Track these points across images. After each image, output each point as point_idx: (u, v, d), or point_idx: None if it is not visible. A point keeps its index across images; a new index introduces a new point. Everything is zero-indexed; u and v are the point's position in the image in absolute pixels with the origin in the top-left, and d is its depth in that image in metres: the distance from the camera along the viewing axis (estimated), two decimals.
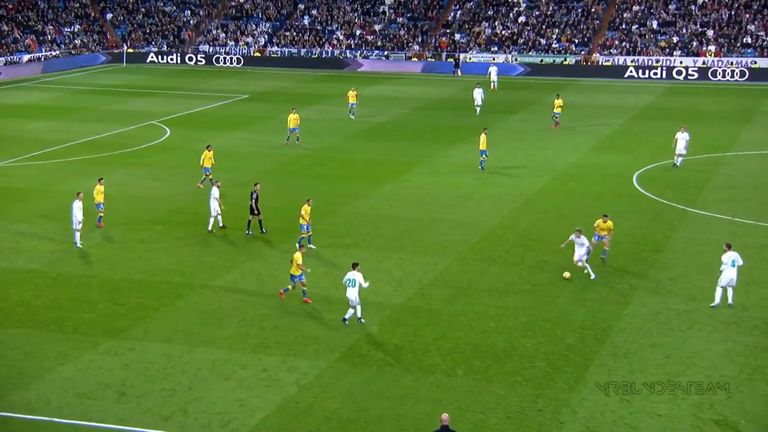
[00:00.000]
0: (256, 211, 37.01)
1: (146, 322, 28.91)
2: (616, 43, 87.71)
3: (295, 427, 22.77)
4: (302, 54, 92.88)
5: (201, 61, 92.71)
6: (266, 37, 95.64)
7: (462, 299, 30.78)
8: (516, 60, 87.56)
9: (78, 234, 35.59)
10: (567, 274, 32.22)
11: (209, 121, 62.91)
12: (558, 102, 58.64)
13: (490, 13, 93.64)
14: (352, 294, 28.15)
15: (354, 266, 28.44)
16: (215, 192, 37.40)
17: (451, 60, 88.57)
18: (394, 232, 37.60)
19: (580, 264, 32.41)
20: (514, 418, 23.13)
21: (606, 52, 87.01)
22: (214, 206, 37.33)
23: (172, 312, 29.81)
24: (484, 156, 47.44)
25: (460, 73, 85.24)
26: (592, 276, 32.24)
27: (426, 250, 35.58)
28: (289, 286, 30.38)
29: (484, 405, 23.73)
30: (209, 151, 43.61)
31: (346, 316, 28.53)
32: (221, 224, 37.80)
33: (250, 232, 37.30)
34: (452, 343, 27.34)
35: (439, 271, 33.24)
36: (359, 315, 28.47)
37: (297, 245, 32.42)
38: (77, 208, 35.30)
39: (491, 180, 46.00)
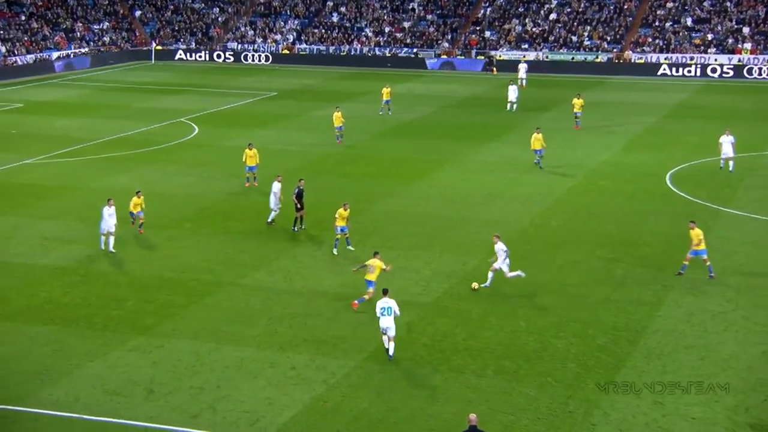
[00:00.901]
0: (299, 207, 36.88)
1: (175, 320, 28.85)
2: (649, 40, 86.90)
3: (323, 426, 22.62)
4: (330, 51, 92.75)
5: (229, 59, 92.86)
6: (294, 34, 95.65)
7: (492, 299, 30.48)
8: (547, 57, 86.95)
9: (103, 239, 34.85)
10: (476, 285, 31.06)
11: (237, 119, 62.93)
12: (579, 101, 57.63)
13: (521, 10, 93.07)
14: (389, 322, 25.80)
15: (385, 293, 26.27)
16: (275, 187, 37.32)
17: (482, 57, 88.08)
18: (422, 231, 37.37)
19: (493, 271, 31.17)
20: (545, 420, 22.84)
21: (639, 50, 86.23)
22: (275, 201, 37.31)
23: (200, 310, 29.73)
24: (539, 155, 46.67)
25: (495, 71, 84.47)
26: (486, 284, 31.02)
27: (455, 248, 35.31)
28: (366, 296, 29.39)
29: (515, 406, 23.46)
30: (250, 149, 43.29)
31: (391, 352, 25.94)
32: (269, 220, 37.64)
33: (297, 228, 37.13)
34: (482, 343, 27.08)
35: (468, 270, 32.95)
36: (391, 352, 25.92)
37: (374, 252, 30.46)
38: (107, 215, 34.61)
39: (521, 179, 45.64)
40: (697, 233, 31.72)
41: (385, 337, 26.03)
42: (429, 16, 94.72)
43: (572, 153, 51.25)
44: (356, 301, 29.49)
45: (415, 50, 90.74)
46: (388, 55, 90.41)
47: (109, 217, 34.58)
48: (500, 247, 31.00)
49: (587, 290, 31.13)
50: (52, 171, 47.95)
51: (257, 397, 23.93)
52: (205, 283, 31.95)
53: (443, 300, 30.35)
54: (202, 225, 38.52)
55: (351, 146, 53.21)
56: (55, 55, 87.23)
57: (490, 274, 31.09)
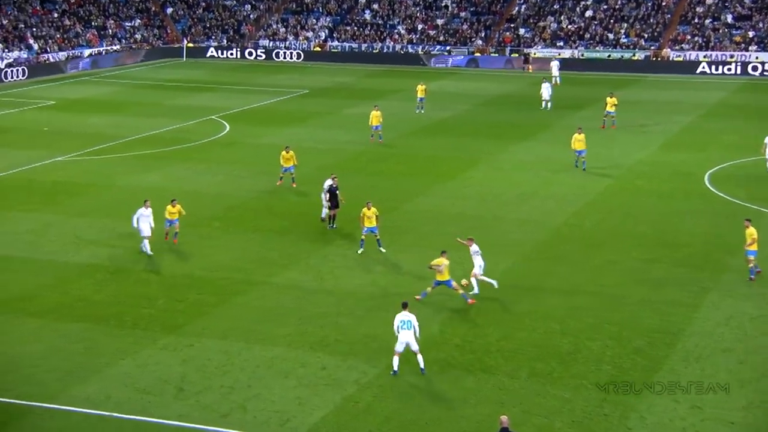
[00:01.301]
0: (334, 205, 36.72)
1: (205, 319, 28.74)
2: (688, 38, 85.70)
3: (354, 427, 22.42)
4: (363, 49, 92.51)
5: (261, 56, 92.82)
6: (326, 31, 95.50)
7: (525, 299, 30.11)
8: (582, 55, 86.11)
9: (147, 242, 34.28)
10: (465, 282, 30.49)
11: (268, 117, 62.84)
12: (611, 100, 56.61)
13: (556, 7, 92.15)
14: (408, 337, 24.65)
15: (404, 306, 25.22)
16: (327, 184, 37.21)
17: (516, 55, 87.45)
18: (455, 230, 36.89)
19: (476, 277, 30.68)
20: (580, 423, 22.49)
21: (677, 47, 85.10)
22: (326, 198, 37.18)
23: (230, 308, 29.61)
24: (581, 156, 45.86)
25: (531, 69, 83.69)
26: (475, 290, 30.31)
27: (488, 248, 34.67)
28: (428, 288, 29.43)
29: (549, 408, 23.12)
30: (287, 152, 42.72)
31: (396, 368, 24.76)
32: (322, 216, 37.57)
33: (330, 226, 36.98)
34: (515, 344, 26.73)
35: (501, 270, 32.55)
36: (422, 365, 24.97)
37: (441, 252, 29.99)
38: (143, 217, 34.04)
39: (555, 178, 45.12)
40: (750, 232, 31.17)
41: (395, 357, 24.71)
42: (462, 14, 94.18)
43: (608, 152, 50.53)
44: (419, 296, 29.38)
45: (448, 47, 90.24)
46: (421, 53, 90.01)
47: (145, 219, 34.13)
48: (475, 249, 30.60)
49: (623, 291, 30.65)
50: (83, 168, 48.07)
51: (288, 396, 23.76)
52: (236, 281, 31.81)
53: (477, 300, 29.90)
54: (233, 223, 38.41)
55: (384, 144, 52.92)
56: (86, 52, 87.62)
57: (473, 280, 30.46)
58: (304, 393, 23.94)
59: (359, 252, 34.26)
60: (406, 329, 24.68)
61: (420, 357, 24.78)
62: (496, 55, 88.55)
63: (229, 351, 26.36)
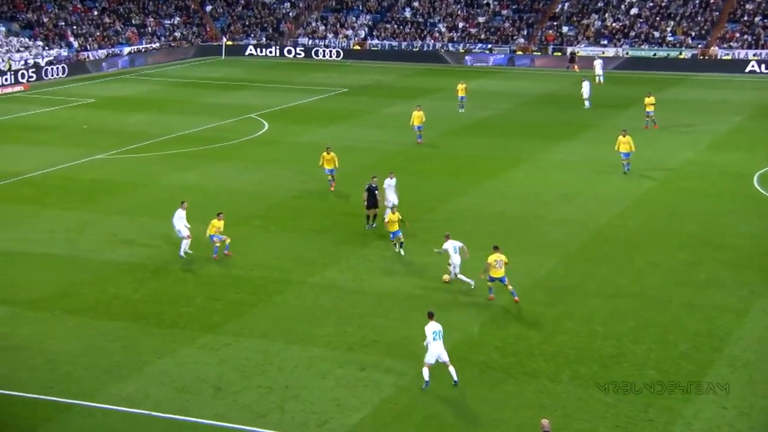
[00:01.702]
0: (373, 204, 36.39)
1: (243, 318, 28.60)
2: (737, 36, 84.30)
3: (393, 429, 22.20)
4: (403, 47, 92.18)
5: (300, 54, 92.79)
6: (366, 29, 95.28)
7: (567, 301, 29.65)
8: (627, 54, 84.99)
9: (185, 243, 33.81)
10: (447, 278, 30.62)
11: (307, 115, 62.73)
12: (649, 100, 55.55)
13: (600, 4, 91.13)
14: (440, 349, 23.89)
15: (430, 316, 24.53)
16: (387, 183, 36.98)
17: (559, 54, 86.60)
18: (496, 230, 36.58)
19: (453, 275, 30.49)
20: (623, 428, 22.07)
21: (725, 46, 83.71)
22: (392, 196, 36.92)
23: (269, 308, 29.45)
24: (626, 159, 44.78)
25: (577, 68, 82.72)
26: (470, 281, 30.34)
27: (530, 249, 34.45)
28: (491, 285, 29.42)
29: (591, 413, 22.71)
30: (328, 153, 42.16)
31: (428, 380, 23.83)
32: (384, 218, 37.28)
33: (373, 225, 36.68)
34: (556, 347, 26.31)
35: (543, 271, 32.12)
36: (455, 377, 24.11)
37: (493, 247, 29.89)
38: (178, 218, 33.80)
39: (598, 178, 44.48)
40: None
41: (425, 369, 23.84)
42: (504, 11, 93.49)
43: (653, 152, 49.66)
44: (492, 295, 29.32)
45: (489, 46, 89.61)
46: (461, 50, 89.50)
47: (181, 220, 33.88)
48: (450, 245, 30.45)
49: (668, 294, 30.06)
50: (121, 166, 48.21)
51: (326, 397, 23.57)
52: (274, 281, 31.64)
53: (518, 300, 29.51)
54: (271, 222, 38.26)
55: (424, 144, 52.53)
56: (126, 50, 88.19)
57: (461, 277, 30.33)
58: (342, 394, 23.74)
59: (401, 252, 33.81)
60: (437, 340, 23.93)
61: (452, 369, 23.99)
62: (539, 53, 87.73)
63: (268, 351, 26.20)
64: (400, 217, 33.88)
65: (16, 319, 28.74)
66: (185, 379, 24.58)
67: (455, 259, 30.52)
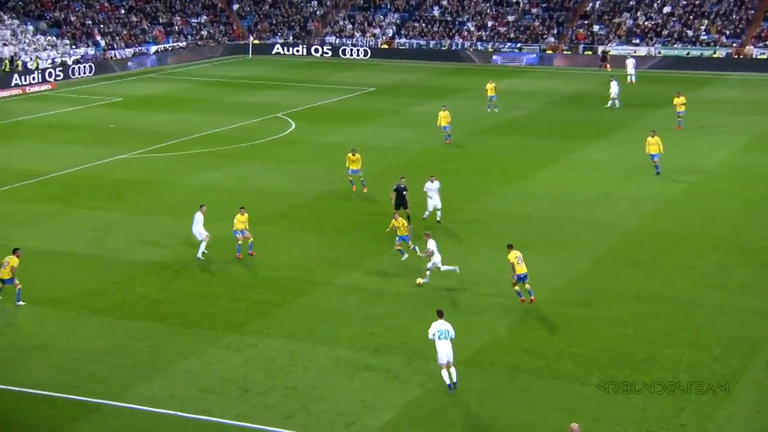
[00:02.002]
0: (396, 205, 36.00)
1: (268, 318, 28.43)
2: None
3: (420, 431, 21.90)
4: (431, 46, 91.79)
5: (327, 53, 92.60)
6: (394, 28, 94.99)
7: (597, 304, 29.24)
8: (659, 53, 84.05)
9: (203, 245, 33.53)
10: (420, 280, 30.51)
11: (334, 115, 62.53)
12: (679, 100, 54.77)
13: (632, 3, 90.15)
14: (447, 348, 23.59)
15: (440, 314, 24.34)
16: (427, 186, 36.81)
17: (590, 53, 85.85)
18: (525, 231, 36.16)
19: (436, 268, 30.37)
20: None
21: (761, 44, 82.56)
22: (434, 199, 36.86)
23: (294, 308, 29.26)
24: (654, 160, 44.12)
25: (609, 67, 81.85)
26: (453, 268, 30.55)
27: (559, 250, 34.03)
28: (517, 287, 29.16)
29: (622, 417, 22.36)
30: (354, 155, 41.75)
31: (451, 382, 23.61)
32: (438, 218, 37.05)
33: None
34: (586, 350, 25.93)
35: (573, 273, 31.71)
36: (455, 379, 23.64)
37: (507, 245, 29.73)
38: (197, 222, 33.53)
39: (630, 179, 43.93)
40: None
41: (442, 371, 23.52)
42: (534, 10, 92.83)
43: (686, 153, 48.98)
44: (522, 297, 29.05)
45: (519, 45, 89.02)
46: (490, 49, 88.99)
47: (199, 222, 33.63)
48: (432, 244, 30.33)
49: (700, 297, 29.60)
50: (147, 166, 48.19)
51: (352, 399, 23.36)
52: (299, 281, 31.43)
53: (546, 304, 29.15)
54: (297, 222, 38.05)
55: (452, 143, 52.18)
56: (153, 49, 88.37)
57: (446, 268, 30.33)
58: (368, 395, 23.53)
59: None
60: (444, 339, 23.62)
61: (454, 370, 23.62)
62: (569, 52, 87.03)
63: (293, 351, 26.01)
64: (405, 222, 33.32)
65: (42, 318, 28.73)
66: (210, 379, 24.45)
67: (436, 258, 30.30)
